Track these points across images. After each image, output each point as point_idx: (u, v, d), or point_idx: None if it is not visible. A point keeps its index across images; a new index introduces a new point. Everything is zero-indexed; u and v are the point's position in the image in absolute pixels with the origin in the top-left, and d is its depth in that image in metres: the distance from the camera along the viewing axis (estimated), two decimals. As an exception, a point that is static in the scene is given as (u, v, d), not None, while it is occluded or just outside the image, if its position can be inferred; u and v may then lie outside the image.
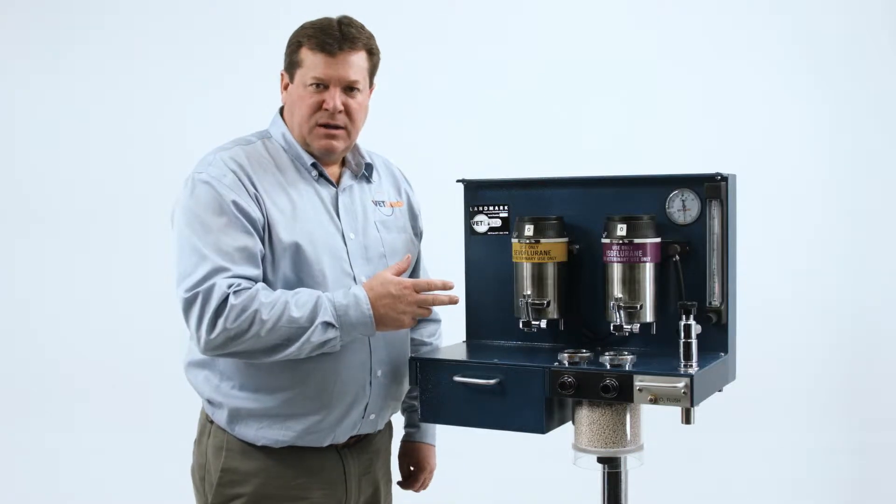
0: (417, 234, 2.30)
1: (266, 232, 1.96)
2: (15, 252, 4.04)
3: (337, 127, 2.04)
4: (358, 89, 2.04)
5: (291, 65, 2.05)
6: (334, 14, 2.06)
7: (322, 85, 2.01)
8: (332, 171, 2.12)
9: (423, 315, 1.98)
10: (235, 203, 1.93)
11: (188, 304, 1.88)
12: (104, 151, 3.99)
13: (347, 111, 2.03)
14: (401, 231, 2.21)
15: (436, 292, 1.98)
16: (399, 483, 2.41)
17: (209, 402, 2.08)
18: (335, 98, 2.01)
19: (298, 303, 1.89)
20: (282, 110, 2.13)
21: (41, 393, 3.99)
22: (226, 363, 2.01)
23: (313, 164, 2.07)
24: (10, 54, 4.04)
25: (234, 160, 2.00)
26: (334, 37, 2.00)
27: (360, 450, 2.15)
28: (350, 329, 1.92)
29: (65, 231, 4.01)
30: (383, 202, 2.20)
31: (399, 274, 1.98)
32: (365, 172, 2.18)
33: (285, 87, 2.09)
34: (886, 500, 3.64)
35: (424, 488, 2.43)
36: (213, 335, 1.86)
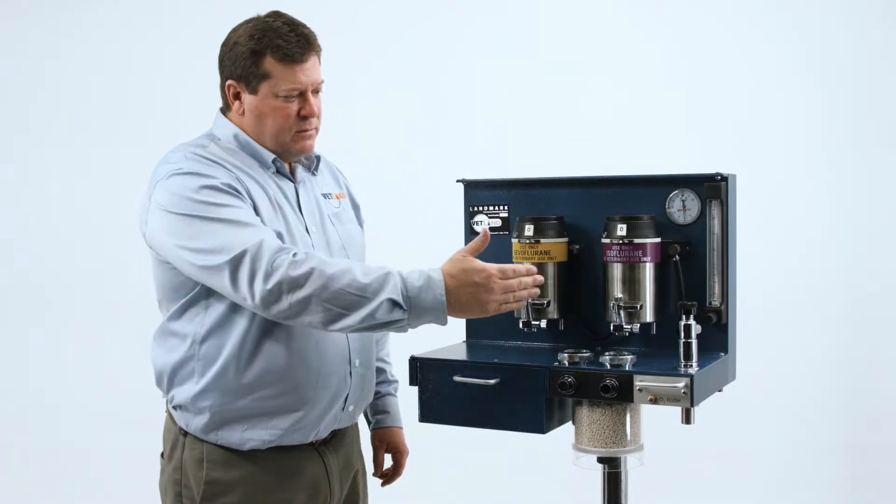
0: (360, 224, 2.26)
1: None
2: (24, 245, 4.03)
3: (310, 128, 2.02)
4: (320, 88, 2.04)
5: (252, 76, 1.96)
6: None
7: (298, 93, 1.98)
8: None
9: (514, 308, 1.86)
10: (231, 186, 1.88)
11: (234, 265, 1.77)
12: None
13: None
14: (351, 222, 2.18)
15: (522, 279, 1.85)
16: (382, 478, 2.37)
17: (185, 410, 2.00)
18: (313, 104, 1.99)
19: (365, 270, 1.78)
20: (223, 110, 2.07)
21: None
22: (204, 365, 1.95)
23: (273, 160, 2.03)
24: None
25: (208, 154, 1.95)
26: (294, 42, 1.95)
27: (337, 444, 2.13)
28: (421, 313, 1.78)
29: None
30: (330, 195, 2.17)
31: (475, 252, 1.86)
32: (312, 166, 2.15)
33: (235, 96, 2.00)
34: (886, 500, 3.64)
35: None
36: (271, 284, 1.74)
